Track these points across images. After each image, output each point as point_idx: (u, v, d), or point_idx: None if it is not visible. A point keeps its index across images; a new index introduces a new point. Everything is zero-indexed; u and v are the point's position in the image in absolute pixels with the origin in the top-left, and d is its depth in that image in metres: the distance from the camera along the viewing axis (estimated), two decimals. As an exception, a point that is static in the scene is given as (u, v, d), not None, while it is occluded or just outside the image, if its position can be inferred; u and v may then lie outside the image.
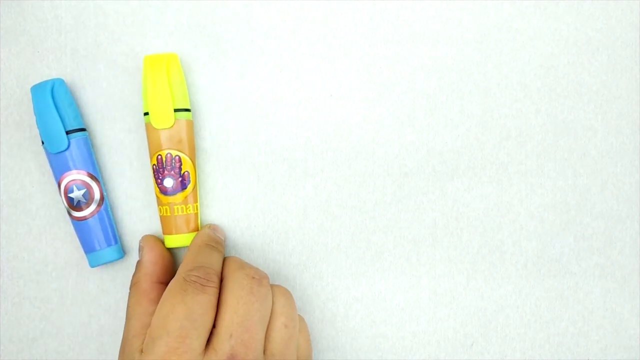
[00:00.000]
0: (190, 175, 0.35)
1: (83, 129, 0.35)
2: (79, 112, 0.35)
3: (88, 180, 0.35)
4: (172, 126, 0.34)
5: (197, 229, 0.35)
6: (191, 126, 0.35)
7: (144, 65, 0.34)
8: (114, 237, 0.35)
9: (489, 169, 0.36)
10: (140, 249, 0.34)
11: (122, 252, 0.36)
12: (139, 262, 0.34)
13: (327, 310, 0.37)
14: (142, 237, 0.35)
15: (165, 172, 0.34)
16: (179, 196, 0.34)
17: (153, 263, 0.33)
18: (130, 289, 0.33)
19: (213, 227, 0.35)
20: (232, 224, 0.36)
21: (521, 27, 0.36)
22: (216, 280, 0.30)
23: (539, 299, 0.36)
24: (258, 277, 0.30)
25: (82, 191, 0.35)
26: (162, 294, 0.31)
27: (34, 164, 0.37)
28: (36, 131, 0.36)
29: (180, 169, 0.34)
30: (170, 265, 0.34)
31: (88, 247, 0.35)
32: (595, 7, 0.36)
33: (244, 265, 0.31)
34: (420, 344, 0.36)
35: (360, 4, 0.36)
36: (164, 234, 0.35)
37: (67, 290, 0.37)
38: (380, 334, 0.37)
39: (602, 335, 0.36)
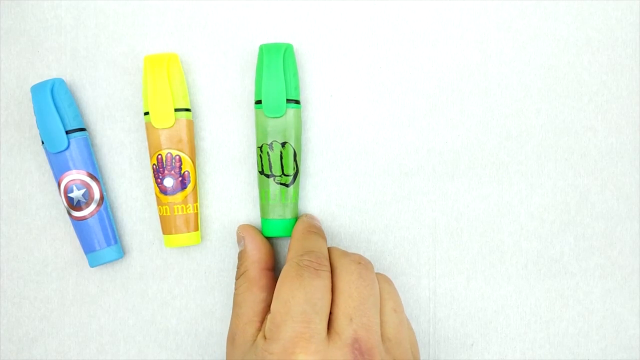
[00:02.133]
0: (190, 175, 0.35)
1: (83, 129, 0.35)
2: (79, 112, 0.35)
3: (88, 180, 0.35)
4: (172, 126, 0.34)
5: (197, 229, 0.35)
6: (191, 126, 0.35)
7: (144, 65, 0.34)
8: (114, 237, 0.35)
9: (489, 169, 0.36)
10: (241, 239, 0.34)
11: (122, 252, 0.36)
12: (242, 252, 0.34)
13: (327, 310, 0.37)
14: (240, 227, 0.35)
15: (165, 171, 0.34)
16: (179, 196, 0.34)
17: (258, 250, 0.33)
18: (237, 279, 0.33)
19: (310, 216, 0.35)
20: (232, 224, 0.36)
21: (521, 27, 0.36)
22: (327, 264, 0.30)
23: (539, 299, 0.36)
24: (364, 263, 0.30)
25: (82, 191, 0.35)
26: (270, 281, 0.32)
27: (34, 164, 0.37)
28: (36, 131, 0.36)
29: (180, 168, 0.34)
30: (272, 252, 0.34)
31: (88, 247, 0.35)
32: (595, 7, 0.36)
33: (347, 253, 0.32)
34: (421, 344, 0.36)
35: (360, 4, 0.36)
36: (163, 233, 0.35)
37: (67, 290, 0.37)
38: (380, 334, 0.36)
39: (602, 335, 0.36)
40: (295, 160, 0.34)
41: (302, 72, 0.36)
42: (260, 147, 0.34)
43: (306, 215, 0.35)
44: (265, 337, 0.28)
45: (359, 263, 0.30)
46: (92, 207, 0.35)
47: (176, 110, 0.34)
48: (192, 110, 0.36)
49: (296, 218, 0.35)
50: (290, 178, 0.34)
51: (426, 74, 0.36)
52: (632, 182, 0.36)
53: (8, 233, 0.37)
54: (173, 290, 0.37)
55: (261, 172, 0.34)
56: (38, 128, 0.34)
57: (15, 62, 0.36)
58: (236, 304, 0.32)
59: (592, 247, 0.36)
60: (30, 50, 0.36)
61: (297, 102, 0.34)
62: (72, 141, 0.34)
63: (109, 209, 0.36)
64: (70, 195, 0.34)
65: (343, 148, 0.36)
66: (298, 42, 0.36)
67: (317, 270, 0.29)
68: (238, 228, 0.35)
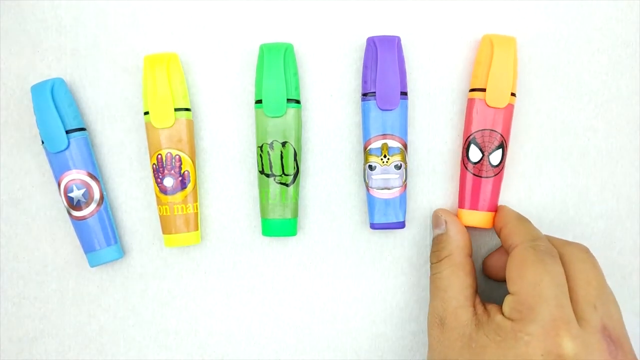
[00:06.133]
0: (190, 175, 0.35)
1: (83, 129, 0.35)
2: (79, 112, 0.35)
3: (88, 179, 0.35)
4: (172, 125, 0.34)
5: (196, 229, 0.35)
6: (191, 126, 0.35)
7: (144, 65, 0.34)
8: (114, 237, 0.35)
9: (489, 169, 0.36)
10: (442, 222, 0.33)
11: (122, 252, 0.36)
12: (444, 236, 0.33)
13: (327, 310, 0.36)
14: (441, 210, 0.34)
15: (165, 171, 0.34)
16: (179, 195, 0.34)
17: (462, 236, 0.33)
18: (437, 262, 0.32)
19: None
20: (232, 224, 0.36)
21: (521, 27, 0.36)
22: (556, 251, 0.30)
23: (539, 299, 0.36)
24: (591, 252, 0.30)
25: (82, 191, 0.35)
26: (473, 268, 0.32)
27: (34, 164, 0.37)
28: (36, 131, 0.36)
29: (180, 168, 0.34)
30: (471, 240, 0.33)
31: (88, 247, 0.35)
32: (595, 7, 0.36)
33: (569, 241, 0.31)
34: (420, 344, 0.36)
35: (360, 4, 0.36)
36: (163, 233, 0.35)
37: (67, 290, 0.37)
38: (380, 334, 0.36)
39: (602, 335, 0.36)
40: (295, 159, 0.34)
41: (302, 72, 0.36)
42: (261, 147, 0.34)
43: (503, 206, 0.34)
44: (509, 319, 0.28)
45: (587, 252, 0.30)
46: (92, 206, 0.35)
47: (176, 110, 0.34)
48: (192, 110, 0.36)
49: (296, 218, 0.35)
50: (291, 178, 0.34)
51: (426, 74, 0.36)
52: (632, 182, 0.36)
53: (8, 233, 0.37)
54: (173, 290, 0.37)
55: (261, 172, 0.34)
56: (38, 128, 0.34)
57: (15, 62, 0.36)
58: (440, 288, 0.31)
59: (592, 247, 0.36)
60: (30, 50, 0.36)
61: (298, 101, 0.34)
62: (72, 141, 0.34)
63: (109, 209, 0.36)
64: (70, 195, 0.34)
65: (343, 148, 0.36)
66: (298, 42, 0.36)
67: (554, 256, 0.29)
68: (438, 211, 0.34)
